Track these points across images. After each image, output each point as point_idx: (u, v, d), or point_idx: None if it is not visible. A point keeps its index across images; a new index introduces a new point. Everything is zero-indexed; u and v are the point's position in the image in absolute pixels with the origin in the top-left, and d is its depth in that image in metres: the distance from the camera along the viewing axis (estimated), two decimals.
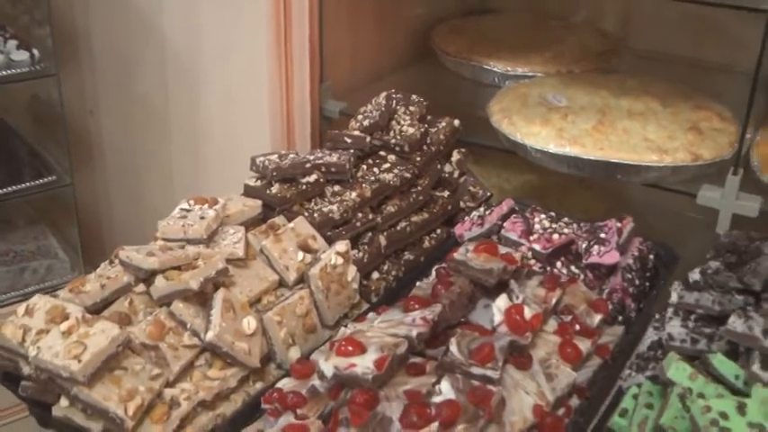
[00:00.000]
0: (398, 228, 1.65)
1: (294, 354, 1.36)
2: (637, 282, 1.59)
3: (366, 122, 1.76)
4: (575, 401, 1.30)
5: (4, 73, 2.49)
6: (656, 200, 2.03)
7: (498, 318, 1.31)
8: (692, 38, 2.44)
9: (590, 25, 2.66)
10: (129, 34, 2.59)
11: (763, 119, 1.97)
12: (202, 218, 1.43)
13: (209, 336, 1.26)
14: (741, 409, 1.06)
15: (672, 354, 1.24)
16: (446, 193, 1.80)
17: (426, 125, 1.82)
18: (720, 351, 1.25)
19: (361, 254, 1.55)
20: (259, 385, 1.32)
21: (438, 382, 1.19)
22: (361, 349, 1.23)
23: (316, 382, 1.25)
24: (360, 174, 1.68)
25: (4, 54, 2.51)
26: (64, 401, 1.22)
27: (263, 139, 2.19)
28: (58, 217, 3.04)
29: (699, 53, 2.43)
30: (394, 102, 1.82)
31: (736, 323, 1.24)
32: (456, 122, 1.89)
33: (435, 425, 1.11)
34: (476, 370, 1.20)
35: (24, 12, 2.75)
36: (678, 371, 1.18)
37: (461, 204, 1.82)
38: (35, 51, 2.55)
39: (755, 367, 1.19)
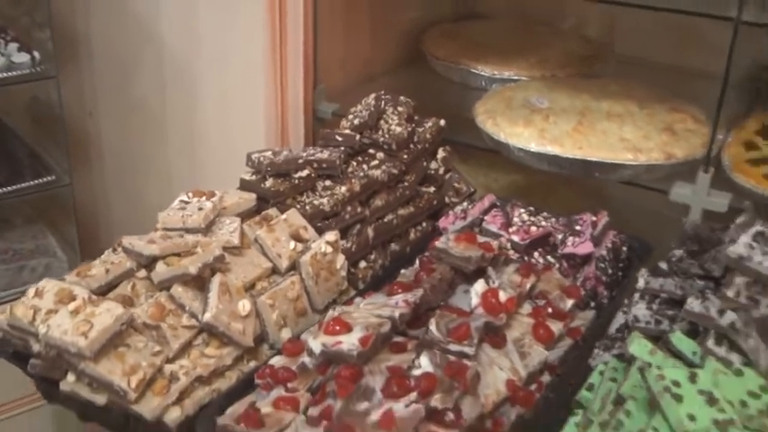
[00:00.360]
0: (385, 220, 1.75)
1: (285, 334, 1.45)
2: (610, 271, 1.68)
3: (356, 122, 1.86)
4: (546, 378, 1.39)
5: (4, 75, 2.54)
6: (634, 197, 2.12)
7: (475, 300, 1.41)
8: (673, 45, 2.52)
9: (575, 32, 2.76)
10: (128, 38, 2.67)
11: (736, 121, 2.06)
12: (200, 209, 1.53)
13: (207, 317, 1.36)
14: (693, 378, 1.16)
15: (635, 332, 1.34)
16: (432, 189, 1.89)
17: (413, 125, 1.92)
18: (681, 331, 1.35)
19: (349, 244, 1.65)
20: (252, 364, 1.42)
21: (417, 357, 1.29)
22: (348, 328, 1.33)
23: (305, 359, 1.34)
24: (350, 170, 1.78)
25: (5, 56, 2.57)
26: (71, 377, 1.32)
27: (258, 140, 2.28)
28: (57, 216, 3.11)
29: (680, 59, 2.51)
30: (383, 102, 1.92)
31: (693, 304, 1.34)
32: (442, 122, 1.99)
33: (414, 394, 1.20)
34: (453, 347, 1.30)
35: (25, 14, 2.80)
36: (640, 347, 1.28)
37: (446, 199, 1.91)
38: (36, 54, 2.61)
39: (710, 343, 1.29)
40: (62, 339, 1.26)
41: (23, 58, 2.60)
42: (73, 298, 1.32)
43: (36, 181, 2.82)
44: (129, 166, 2.94)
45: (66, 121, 2.81)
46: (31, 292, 1.36)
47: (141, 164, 2.88)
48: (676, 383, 1.15)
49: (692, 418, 1.10)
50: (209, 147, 2.59)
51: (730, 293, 1.34)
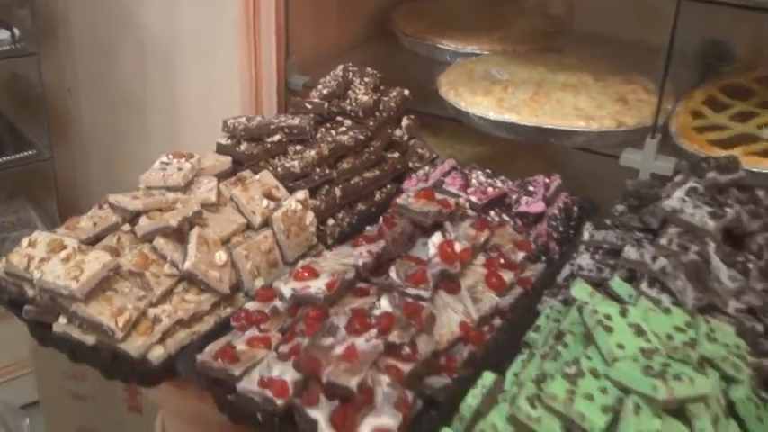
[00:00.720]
0: (352, 182, 1.87)
1: (259, 283, 1.58)
2: (561, 229, 1.82)
3: (325, 91, 1.98)
4: (497, 322, 1.53)
5: None
6: (591, 165, 2.25)
7: (432, 251, 1.54)
8: (630, 21, 2.64)
9: (538, 9, 2.89)
10: (106, 15, 2.74)
11: (686, 93, 2.20)
12: (180, 169, 1.65)
13: (187, 265, 1.48)
14: (623, 312, 1.29)
15: (578, 278, 1.48)
16: (396, 154, 2.02)
17: (379, 94, 2.05)
18: (620, 278, 1.49)
19: (318, 202, 1.78)
20: (229, 309, 1.54)
21: (378, 299, 1.42)
22: (315, 275, 1.46)
23: (277, 303, 1.47)
24: (318, 135, 1.91)
25: None
26: (62, 319, 1.44)
27: (233, 111, 2.40)
28: (38, 191, 3.20)
29: (636, 35, 2.62)
30: (350, 73, 2.05)
31: (630, 251, 1.48)
32: (406, 92, 2.11)
33: (374, 331, 1.33)
34: (410, 290, 1.44)
35: None
36: (580, 290, 1.41)
37: (410, 164, 2.04)
38: (16, 31, 2.68)
39: (643, 286, 1.43)
40: (55, 283, 1.38)
41: (4, 35, 2.66)
42: (64, 247, 1.44)
43: (17, 155, 2.90)
44: (108, 142, 3.02)
45: (47, 97, 2.89)
46: (25, 242, 1.48)
47: (120, 139, 2.96)
48: (608, 317, 1.28)
49: (620, 346, 1.24)
50: (186, 120, 2.69)
51: (663, 242, 1.48)
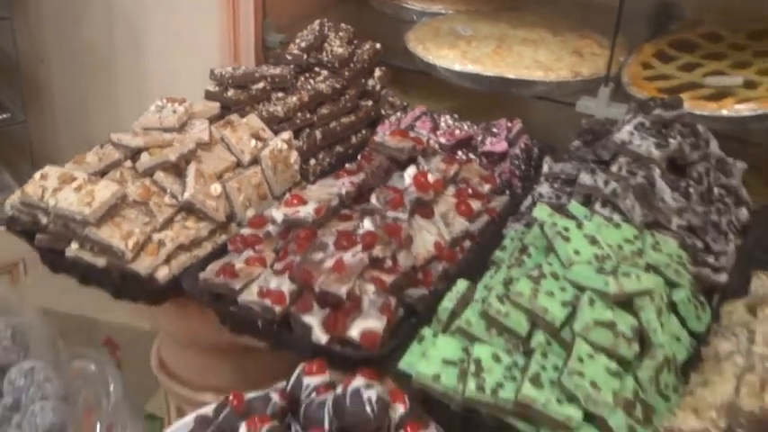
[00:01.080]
0: (330, 126, 2.03)
1: (250, 213, 1.73)
2: (522, 167, 1.99)
3: (303, 44, 2.13)
4: (467, 244, 1.70)
5: None
6: (549, 112, 2.41)
7: (408, 181, 1.71)
8: None
9: None
10: None
11: (636, 47, 2.37)
12: (174, 112, 1.79)
13: (186, 195, 1.63)
14: (579, 225, 1.47)
15: (540, 203, 1.65)
16: (369, 103, 2.18)
17: (353, 47, 2.20)
18: (577, 202, 1.66)
19: (301, 143, 1.93)
20: (224, 237, 1.69)
21: (361, 221, 1.58)
22: (303, 202, 1.62)
23: (269, 227, 1.63)
24: (299, 84, 2.06)
25: None
26: (74, 245, 1.59)
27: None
28: (12, 154, 3.26)
29: None
30: (326, 28, 2.20)
31: (585, 178, 1.65)
32: (378, 45, 2.27)
33: (359, 247, 1.50)
34: (390, 213, 1.60)
35: None
36: (542, 211, 1.58)
37: (382, 112, 2.20)
38: None
39: (597, 206, 1.61)
40: (69, 209, 1.52)
41: None
42: (74, 179, 1.58)
43: None
44: (79, 105, 3.09)
45: (20, 63, 2.96)
46: (38, 175, 1.62)
47: (91, 102, 3.03)
48: (566, 229, 1.46)
49: (577, 252, 1.41)
50: (158, 83, 2.79)
51: (614, 169, 1.66)
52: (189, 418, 1.34)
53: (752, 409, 1.16)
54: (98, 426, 1.27)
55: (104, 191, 1.54)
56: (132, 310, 1.84)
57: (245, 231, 1.65)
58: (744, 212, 1.78)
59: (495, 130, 2.01)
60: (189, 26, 2.61)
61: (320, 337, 1.42)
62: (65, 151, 3.27)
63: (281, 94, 2.00)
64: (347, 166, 1.86)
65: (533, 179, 1.97)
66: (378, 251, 1.50)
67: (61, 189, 1.57)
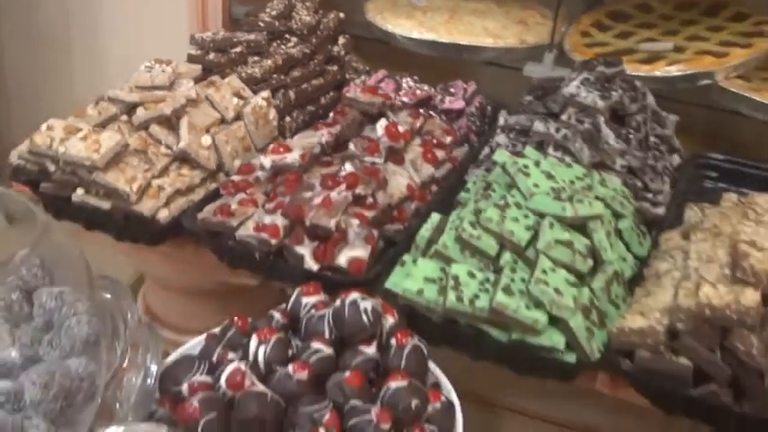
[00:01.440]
0: (302, 87, 2.20)
1: (237, 163, 1.90)
2: (478, 123, 2.19)
3: (273, 13, 2.30)
4: (435, 188, 1.89)
5: None
6: (502, 78, 2.60)
7: (380, 131, 1.89)
8: None
9: None
10: None
11: (575, 17, 2.58)
12: (164, 71, 1.94)
13: (182, 144, 1.80)
14: (537, 164, 1.67)
15: (499, 149, 1.85)
16: (335, 67, 2.36)
17: (319, 16, 2.37)
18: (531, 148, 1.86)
19: (277, 102, 2.10)
20: (214, 185, 1.85)
21: (342, 164, 1.76)
22: (289, 149, 1.80)
23: (258, 173, 1.80)
24: (272, 49, 2.22)
25: None
26: (80, 191, 1.74)
27: (181, 40, 2.65)
28: None
29: None
30: None
31: (538, 125, 1.86)
32: (341, 15, 2.45)
33: (343, 186, 1.68)
34: (367, 158, 1.79)
35: None
36: (501, 155, 1.78)
37: (347, 76, 2.38)
38: None
39: (550, 150, 1.82)
40: (78, 156, 1.67)
41: None
42: (79, 129, 1.73)
43: None
44: (31, 82, 3.15)
45: None
46: (44, 127, 1.76)
47: (44, 78, 3.10)
48: (525, 166, 1.66)
49: (536, 185, 1.62)
50: (114, 59, 2.89)
51: (564, 118, 1.87)
52: (200, 338, 1.50)
53: (689, 306, 1.37)
54: (118, 348, 1.41)
55: (109, 139, 1.70)
56: (112, 265, 1.98)
57: (236, 177, 1.81)
58: (676, 158, 2.00)
59: (452, 90, 2.20)
60: (152, 5, 2.71)
61: (312, 265, 1.60)
62: (18, 131, 3.35)
63: (256, 58, 2.17)
64: (321, 122, 2.03)
65: (488, 134, 2.17)
66: (360, 189, 1.68)
67: (68, 139, 1.71)
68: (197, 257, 1.78)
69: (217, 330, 1.49)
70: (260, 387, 1.29)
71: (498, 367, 1.51)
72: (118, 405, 1.36)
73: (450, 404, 1.37)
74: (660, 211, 1.81)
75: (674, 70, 2.22)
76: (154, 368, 1.37)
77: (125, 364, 1.39)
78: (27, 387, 1.22)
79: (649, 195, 1.82)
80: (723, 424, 1.40)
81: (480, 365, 1.51)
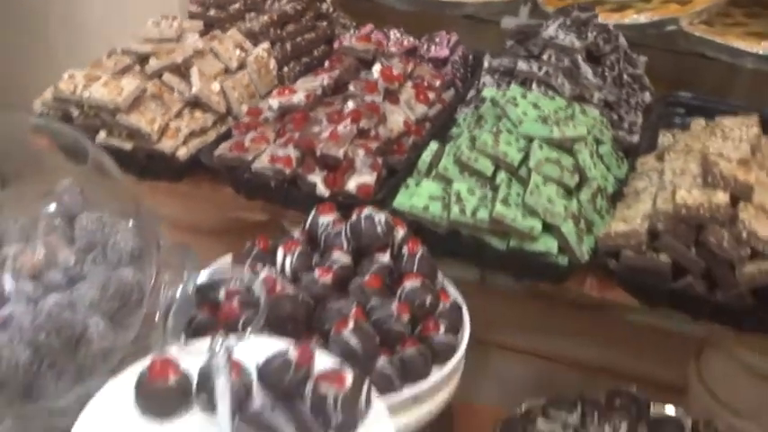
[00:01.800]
0: (297, 41, 2.34)
1: (244, 108, 2.04)
2: (462, 70, 2.34)
3: None
4: (428, 125, 2.05)
5: None
6: (480, 31, 2.75)
7: (376, 75, 2.04)
8: None
9: None
10: None
11: None
12: (171, 26, 2.08)
13: (194, 90, 1.94)
14: (524, 95, 1.84)
15: (486, 87, 2.01)
16: (325, 23, 2.50)
17: None
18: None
19: (276, 53, 2.24)
20: (224, 127, 2.00)
21: (344, 103, 1.92)
22: (293, 92, 1.95)
23: (267, 114, 1.95)
24: (266, 6, 2.37)
25: None
26: (103, 133, 1.87)
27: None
28: None
29: None
30: None
31: (522, 65, 2.02)
32: None
33: (348, 120, 1.83)
34: (367, 97, 1.94)
35: None
36: (490, 91, 1.94)
37: (336, 32, 2.52)
38: None
39: (533, 87, 1.98)
40: (102, 99, 1.81)
41: None
42: (100, 77, 1.86)
43: None
44: (7, 55, 3.18)
45: None
46: (66, 75, 1.88)
47: (24, 51, 3.15)
48: (514, 98, 1.82)
49: (525, 114, 1.78)
50: (96, 32, 3.00)
51: (545, 58, 2.03)
52: (226, 258, 1.64)
53: (667, 209, 1.55)
54: (155, 265, 1.55)
55: (130, 84, 1.84)
56: None
57: (246, 119, 1.96)
58: (647, 95, 2.18)
59: (437, 39, 2.36)
60: None
61: (323, 191, 1.75)
62: None
63: (253, 14, 2.31)
64: (321, 68, 2.18)
65: (473, 80, 2.33)
66: (363, 123, 1.84)
67: (90, 85, 1.84)
68: (213, 194, 1.92)
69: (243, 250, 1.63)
70: (291, 289, 1.45)
71: (485, 304, 1.66)
72: (158, 313, 1.50)
73: (458, 305, 1.54)
74: (635, 138, 1.98)
75: (641, 18, 2.41)
76: (191, 281, 1.51)
77: (164, 279, 1.53)
78: (86, 290, 1.36)
79: (625, 125, 1.99)
80: (699, 312, 1.58)
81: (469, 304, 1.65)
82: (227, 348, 1.11)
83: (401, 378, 1.40)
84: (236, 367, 1.10)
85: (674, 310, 1.61)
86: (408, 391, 1.40)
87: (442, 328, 1.46)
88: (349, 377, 1.10)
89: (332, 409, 1.08)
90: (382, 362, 1.38)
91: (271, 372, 1.12)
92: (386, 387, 1.37)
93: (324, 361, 1.18)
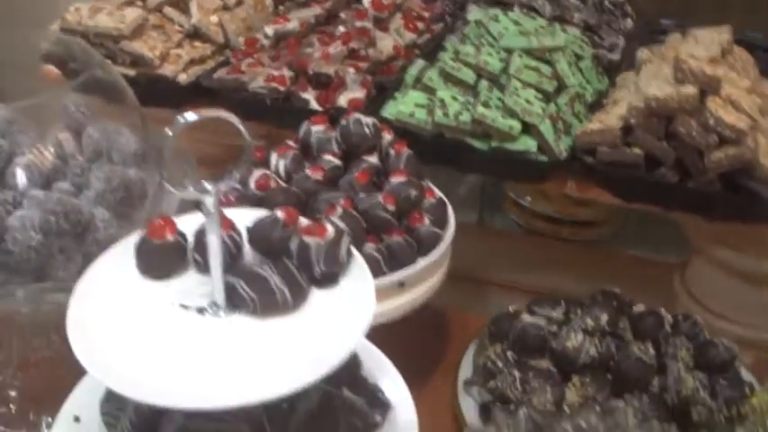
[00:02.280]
0: None
1: (241, 39, 2.14)
2: (451, 6, 2.44)
3: None
4: (417, 51, 2.14)
5: None
6: None
7: (367, 3, 2.14)
8: None
9: None
10: None
11: None
12: None
13: (194, 20, 2.04)
14: (506, 13, 1.93)
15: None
16: None
17: None
18: None
19: None
20: (222, 57, 2.10)
21: (335, 27, 2.01)
22: (288, 20, 2.06)
23: (263, 41, 2.05)
24: None
25: None
26: (107, 62, 1.97)
27: None
28: None
29: None
30: None
31: None
32: None
33: (339, 42, 1.94)
34: (357, 23, 2.04)
35: None
36: (476, 13, 2.03)
37: None
38: None
39: (516, 9, 2.07)
40: (106, 27, 1.91)
41: None
42: (103, 8, 1.97)
43: None
44: None
45: None
46: (72, 8, 1.99)
47: None
48: (496, 15, 1.92)
49: (506, 29, 1.87)
50: None
51: None
52: None
53: (638, 104, 1.64)
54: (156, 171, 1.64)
55: (132, 12, 1.94)
56: None
57: (243, 48, 2.06)
58: (629, 22, 2.26)
59: None
60: None
61: (316, 107, 1.85)
62: None
63: None
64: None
65: (459, 16, 2.42)
66: (353, 44, 1.94)
67: (95, 16, 1.95)
68: (212, 121, 2.01)
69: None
70: (284, 185, 1.54)
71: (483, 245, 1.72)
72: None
73: (443, 201, 1.63)
74: (616, 56, 2.07)
75: None
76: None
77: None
78: (92, 181, 1.46)
79: (605, 45, 2.08)
80: (672, 202, 1.67)
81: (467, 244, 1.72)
82: (219, 209, 1.21)
83: (388, 264, 1.49)
84: (227, 223, 1.20)
85: (650, 204, 1.70)
86: (395, 276, 1.49)
87: (427, 221, 1.55)
88: (330, 229, 1.19)
89: (315, 259, 1.18)
90: (369, 248, 1.47)
91: (260, 229, 1.22)
92: (372, 270, 1.46)
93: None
